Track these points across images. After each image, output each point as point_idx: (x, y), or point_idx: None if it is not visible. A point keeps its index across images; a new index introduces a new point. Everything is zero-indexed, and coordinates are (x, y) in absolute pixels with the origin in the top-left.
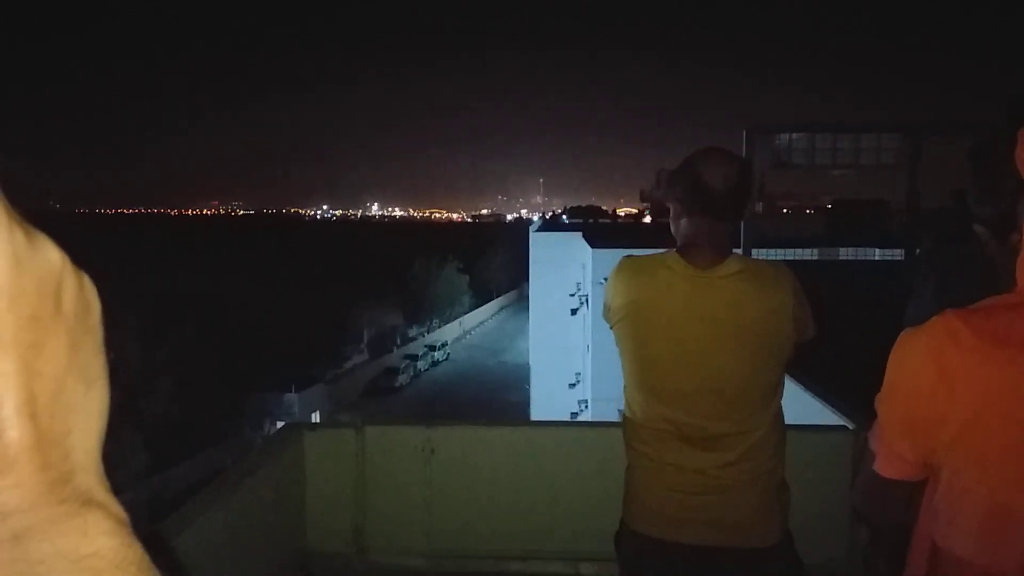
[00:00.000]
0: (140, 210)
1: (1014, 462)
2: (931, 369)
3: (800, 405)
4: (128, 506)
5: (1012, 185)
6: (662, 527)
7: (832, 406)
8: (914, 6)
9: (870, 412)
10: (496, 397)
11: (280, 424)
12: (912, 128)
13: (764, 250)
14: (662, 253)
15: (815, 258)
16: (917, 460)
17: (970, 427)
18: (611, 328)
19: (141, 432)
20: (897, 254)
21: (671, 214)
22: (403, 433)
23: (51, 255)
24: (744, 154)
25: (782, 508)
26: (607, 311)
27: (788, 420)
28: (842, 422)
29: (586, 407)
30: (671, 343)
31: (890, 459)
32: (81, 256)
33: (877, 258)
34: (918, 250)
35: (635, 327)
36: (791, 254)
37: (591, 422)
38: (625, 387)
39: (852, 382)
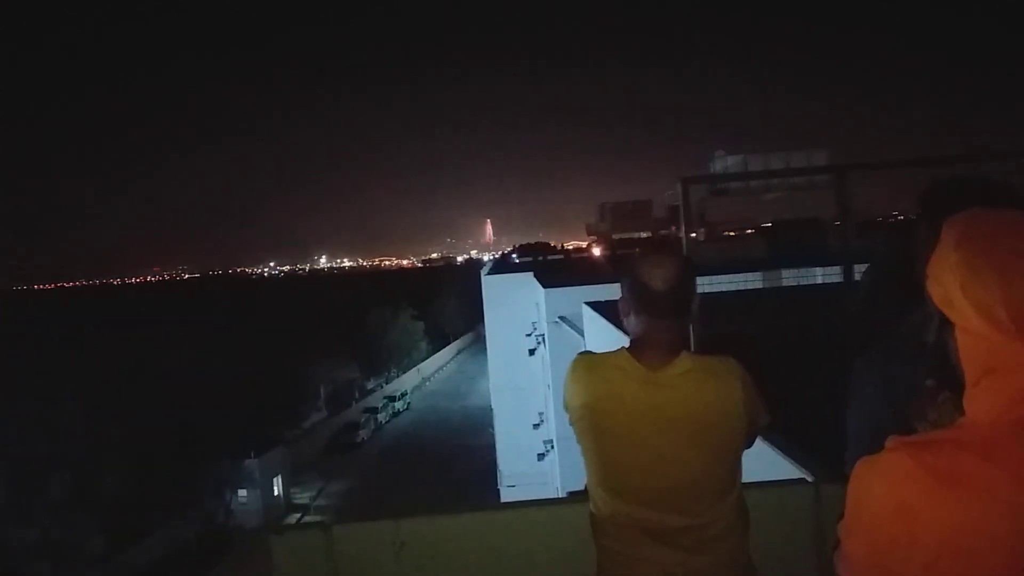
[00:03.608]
0: (81, 282)
1: None
2: (889, 510)
3: (756, 451)
4: None
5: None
6: None
7: (791, 457)
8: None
9: (828, 463)
10: (460, 443)
11: (241, 492)
12: (840, 167)
13: (709, 277)
14: (615, 352)
15: (760, 285)
16: None
17: (932, 569)
18: (570, 425)
19: (96, 513)
20: (836, 272)
21: (620, 310)
22: (371, 529)
23: None
24: (679, 204)
25: None
26: (566, 408)
27: (746, 475)
28: (801, 474)
29: (552, 447)
30: (627, 444)
31: None
32: (28, 337)
33: (819, 280)
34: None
35: (592, 429)
36: (736, 281)
37: (561, 499)
38: (588, 484)
39: (809, 427)
